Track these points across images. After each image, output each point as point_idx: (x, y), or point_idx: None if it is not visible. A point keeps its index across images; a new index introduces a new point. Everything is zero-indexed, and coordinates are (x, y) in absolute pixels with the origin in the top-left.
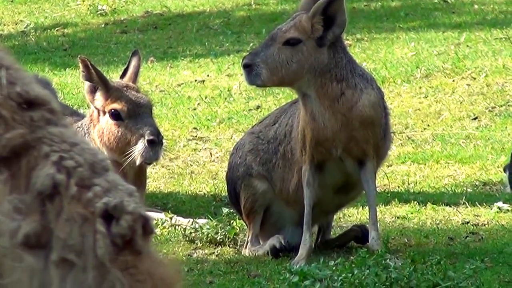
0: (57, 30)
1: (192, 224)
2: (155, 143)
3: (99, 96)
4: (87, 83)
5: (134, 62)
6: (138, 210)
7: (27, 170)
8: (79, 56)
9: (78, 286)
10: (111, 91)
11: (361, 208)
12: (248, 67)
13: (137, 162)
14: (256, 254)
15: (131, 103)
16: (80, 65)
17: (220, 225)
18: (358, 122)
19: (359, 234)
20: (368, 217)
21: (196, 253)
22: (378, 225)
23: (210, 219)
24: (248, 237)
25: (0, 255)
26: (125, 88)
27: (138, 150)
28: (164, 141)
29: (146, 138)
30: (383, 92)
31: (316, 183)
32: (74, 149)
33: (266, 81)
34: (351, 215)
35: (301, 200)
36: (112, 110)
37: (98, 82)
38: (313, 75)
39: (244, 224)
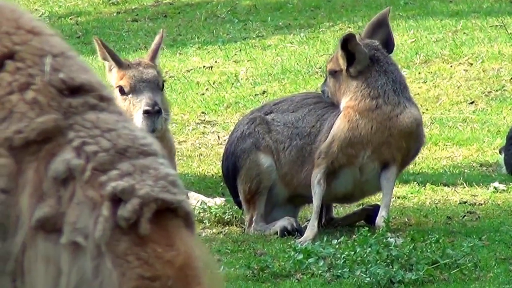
0: (70, 19)
1: (201, 204)
2: (151, 113)
3: (113, 73)
4: (106, 63)
5: (156, 40)
6: (153, 194)
7: (49, 155)
8: (93, 36)
9: (81, 276)
10: (121, 68)
11: None
12: (322, 92)
13: None
14: (263, 233)
15: (133, 79)
16: (95, 44)
17: (227, 206)
18: (396, 130)
19: (371, 213)
20: (371, 198)
21: (205, 232)
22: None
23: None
24: (253, 216)
25: (23, 243)
26: (135, 65)
27: (137, 121)
28: (163, 111)
29: (142, 108)
30: None
31: (325, 184)
32: (106, 134)
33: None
34: None
35: (301, 186)
36: (119, 87)
37: (110, 60)
38: (347, 94)
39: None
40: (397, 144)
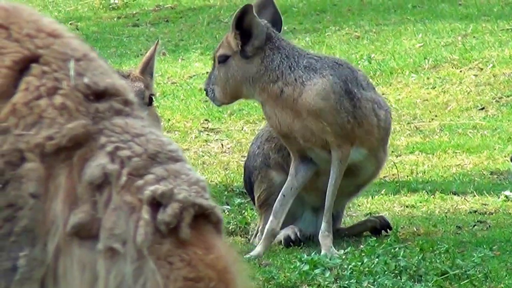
0: (70, 24)
1: None
2: None
3: None
4: None
5: (148, 52)
6: (191, 199)
7: (82, 160)
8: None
9: (120, 280)
10: None
11: (371, 197)
12: (206, 92)
13: None
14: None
15: None
16: None
17: (232, 215)
18: (305, 113)
19: (377, 225)
20: (378, 207)
21: None
22: (330, 217)
23: (222, 210)
24: (259, 226)
25: (56, 249)
26: (124, 77)
27: None
28: None
29: None
30: (345, 77)
31: (301, 174)
32: (136, 139)
33: (222, 100)
34: (361, 204)
35: (319, 186)
36: None
37: None
38: (249, 84)
39: (256, 213)
40: (317, 127)
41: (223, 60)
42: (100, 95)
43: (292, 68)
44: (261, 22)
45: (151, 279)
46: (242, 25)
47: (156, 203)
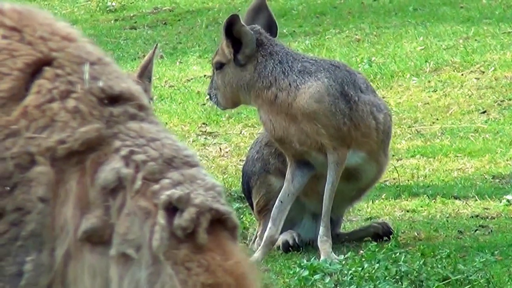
0: None
1: None
2: None
3: None
4: None
5: (147, 57)
6: (208, 204)
7: (96, 164)
8: None
9: (134, 286)
10: None
11: (371, 202)
12: (209, 97)
13: None
14: None
15: None
16: None
17: None
18: (300, 116)
19: (379, 231)
20: (378, 211)
21: None
22: (327, 221)
23: None
24: (258, 231)
25: (66, 254)
26: None
27: None
28: None
29: None
30: (341, 79)
31: (297, 180)
32: (151, 143)
33: (225, 105)
34: (361, 209)
35: (319, 190)
36: None
37: None
38: (245, 91)
39: (254, 218)
40: (312, 129)
41: (219, 67)
42: (114, 99)
43: (286, 73)
44: (249, 30)
45: (168, 284)
46: (232, 34)
47: (172, 208)
